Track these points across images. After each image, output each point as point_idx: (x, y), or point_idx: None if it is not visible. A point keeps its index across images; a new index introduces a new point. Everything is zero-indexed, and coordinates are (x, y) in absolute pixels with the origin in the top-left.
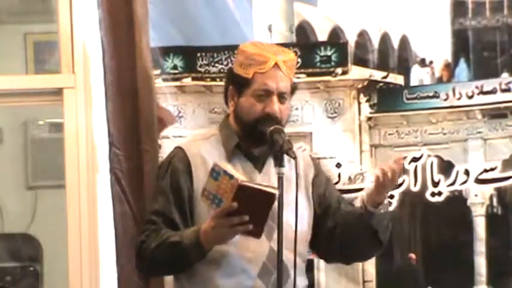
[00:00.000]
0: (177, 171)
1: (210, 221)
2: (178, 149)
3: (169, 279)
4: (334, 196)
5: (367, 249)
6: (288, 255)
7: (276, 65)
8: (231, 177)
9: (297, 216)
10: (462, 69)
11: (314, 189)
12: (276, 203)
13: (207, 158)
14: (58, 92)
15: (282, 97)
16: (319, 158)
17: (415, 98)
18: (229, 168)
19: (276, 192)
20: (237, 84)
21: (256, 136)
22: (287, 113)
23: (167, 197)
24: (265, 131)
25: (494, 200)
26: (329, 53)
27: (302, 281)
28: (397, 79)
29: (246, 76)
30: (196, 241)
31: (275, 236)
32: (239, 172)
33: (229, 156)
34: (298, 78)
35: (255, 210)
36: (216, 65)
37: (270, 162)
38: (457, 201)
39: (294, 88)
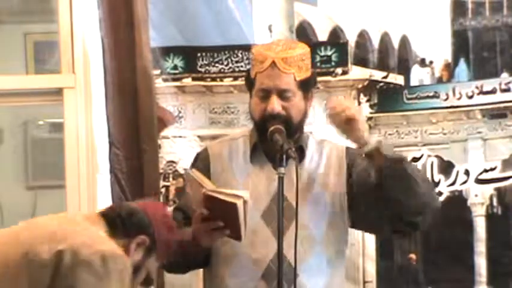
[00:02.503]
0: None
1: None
2: (204, 149)
3: (169, 280)
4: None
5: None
6: (301, 256)
7: (273, 63)
8: (200, 185)
9: (297, 218)
10: (462, 69)
11: (349, 179)
12: (242, 210)
13: (228, 158)
14: (58, 92)
15: (284, 95)
16: None
17: (415, 98)
18: (200, 176)
19: (239, 201)
20: (248, 85)
21: (264, 135)
22: (298, 109)
23: (188, 196)
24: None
25: (494, 200)
26: (329, 53)
27: (317, 281)
28: (397, 79)
29: (251, 77)
30: (193, 239)
31: (285, 236)
32: (260, 174)
33: (250, 157)
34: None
35: (226, 216)
36: (216, 65)
37: (291, 162)
38: (457, 201)
39: (303, 83)
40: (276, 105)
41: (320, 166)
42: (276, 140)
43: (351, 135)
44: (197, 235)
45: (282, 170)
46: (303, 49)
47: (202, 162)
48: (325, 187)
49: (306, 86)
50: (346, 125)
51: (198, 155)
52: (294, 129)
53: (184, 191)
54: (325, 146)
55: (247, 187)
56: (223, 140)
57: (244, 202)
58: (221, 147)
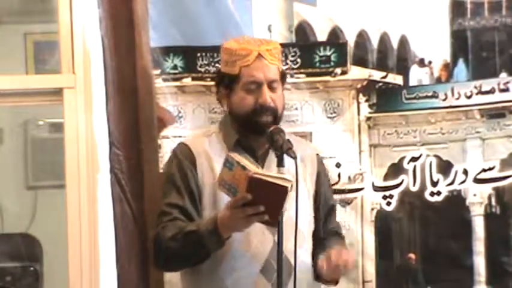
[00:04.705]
0: (185, 167)
1: (226, 210)
2: (183, 145)
3: (168, 279)
4: (328, 203)
5: None
6: (292, 252)
7: (260, 55)
8: (244, 168)
9: (297, 213)
10: (461, 69)
11: (317, 186)
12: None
13: (211, 153)
14: (58, 92)
15: (272, 86)
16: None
17: (414, 98)
18: (241, 159)
19: (288, 184)
20: (226, 83)
21: (254, 128)
22: (282, 101)
23: (179, 191)
24: (261, 121)
25: (493, 199)
26: (328, 53)
27: (307, 276)
28: (396, 79)
29: (233, 73)
30: (214, 229)
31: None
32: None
33: (230, 152)
34: (297, 78)
35: (269, 201)
36: (216, 65)
37: (271, 158)
38: (456, 200)
39: (283, 75)
40: (268, 96)
41: (298, 162)
42: (276, 140)
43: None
44: (231, 221)
45: (283, 169)
46: (277, 43)
47: (187, 158)
48: (304, 183)
49: (284, 78)
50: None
51: (178, 151)
52: (278, 120)
53: (173, 187)
54: (296, 142)
55: None
56: (199, 136)
57: (291, 186)
58: (201, 143)
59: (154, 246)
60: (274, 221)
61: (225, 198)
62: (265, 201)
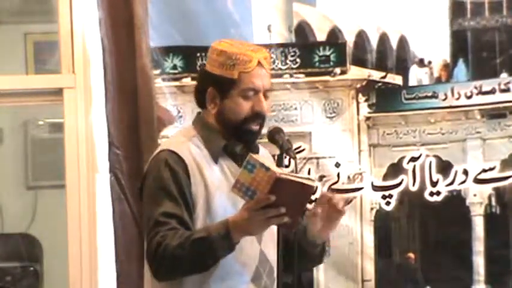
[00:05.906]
0: (180, 177)
1: (243, 213)
2: (172, 153)
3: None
4: None
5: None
6: (271, 256)
7: (259, 63)
8: (267, 169)
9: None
10: (461, 69)
11: None
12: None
13: (199, 160)
14: (58, 92)
15: (266, 94)
16: (318, 158)
17: (414, 98)
18: (265, 160)
19: (315, 184)
20: (220, 85)
21: (243, 135)
22: (268, 109)
23: (176, 200)
24: (252, 129)
25: (493, 199)
26: (328, 53)
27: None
28: (396, 79)
29: (231, 77)
30: (226, 233)
31: (264, 238)
32: (227, 174)
33: (216, 158)
34: (297, 78)
35: (291, 202)
36: None
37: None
38: (456, 200)
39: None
40: (265, 104)
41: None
42: (276, 140)
43: (328, 225)
44: (248, 223)
45: (283, 169)
46: (268, 51)
47: (180, 168)
48: None
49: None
50: (332, 216)
51: (169, 160)
52: (262, 129)
53: (168, 196)
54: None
55: (223, 189)
56: (181, 141)
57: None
58: (187, 149)
59: (156, 256)
60: (294, 223)
61: (219, 208)
62: (288, 203)
